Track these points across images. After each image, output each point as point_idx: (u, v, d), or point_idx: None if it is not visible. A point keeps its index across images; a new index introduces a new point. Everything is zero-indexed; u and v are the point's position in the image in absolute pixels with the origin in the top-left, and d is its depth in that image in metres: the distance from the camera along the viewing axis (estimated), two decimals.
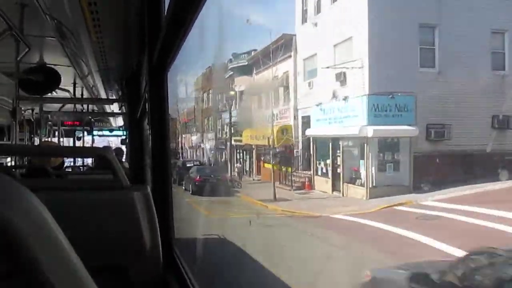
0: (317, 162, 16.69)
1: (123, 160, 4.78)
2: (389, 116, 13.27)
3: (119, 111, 5.13)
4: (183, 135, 37.72)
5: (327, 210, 11.20)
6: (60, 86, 3.46)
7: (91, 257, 0.40)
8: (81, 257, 0.33)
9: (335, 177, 15.00)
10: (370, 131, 13.00)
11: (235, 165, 22.30)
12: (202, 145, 32.87)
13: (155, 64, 1.43)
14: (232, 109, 23.15)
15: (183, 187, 18.61)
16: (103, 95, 4.38)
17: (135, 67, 2.42)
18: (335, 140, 14.90)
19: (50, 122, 5.97)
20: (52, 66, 3.18)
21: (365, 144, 13.21)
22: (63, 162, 3.47)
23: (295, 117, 17.83)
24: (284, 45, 16.62)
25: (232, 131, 24.83)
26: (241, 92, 22.71)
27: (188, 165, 23.35)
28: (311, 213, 11.04)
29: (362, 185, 13.43)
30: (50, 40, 2.55)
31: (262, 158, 22.34)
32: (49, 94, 3.53)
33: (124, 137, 8.88)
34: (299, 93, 17.31)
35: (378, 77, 12.78)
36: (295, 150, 17.79)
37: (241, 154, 24.99)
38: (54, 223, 0.32)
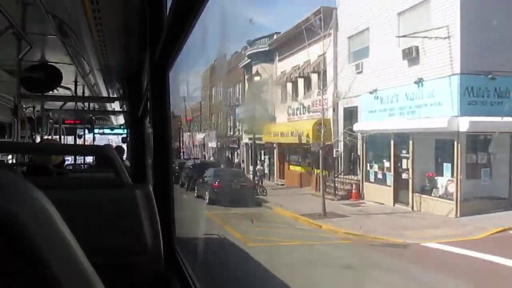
0: (368, 164, 16.02)
1: (124, 158, 5.48)
2: (487, 104, 12.12)
3: (120, 110, 5.87)
4: (188, 133, 38.65)
5: (408, 234, 10.18)
6: (61, 84, 4.22)
7: (93, 255, 0.47)
8: None
9: (399, 185, 14.26)
10: (464, 124, 11.79)
11: (257, 167, 22.27)
12: (210, 143, 33.69)
13: (157, 63, 1.86)
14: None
15: (195, 194, 18.03)
16: (104, 93, 5.14)
17: (136, 65, 2.96)
18: (401, 136, 14.08)
19: (51, 120, 7.01)
20: (54, 64, 3.89)
21: (455, 142, 12.11)
22: (64, 160, 4.16)
23: (334, 109, 17.29)
24: (320, 22, 16.31)
25: (247, 128, 25.09)
26: (262, 82, 22.87)
27: (189, 164, 23.28)
28: (390, 239, 9.93)
29: (442, 196, 12.59)
30: (51, 38, 3.19)
31: (287, 159, 22.12)
32: (51, 92, 4.27)
33: (125, 135, 9.83)
34: (341, 79, 16.81)
35: (473, 51, 11.50)
36: (334, 150, 17.28)
37: (259, 154, 25.25)
38: (61, 219, 0.39)
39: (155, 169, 2.01)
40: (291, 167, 22.00)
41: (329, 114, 17.73)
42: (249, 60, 25.98)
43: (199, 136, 37.01)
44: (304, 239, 10.52)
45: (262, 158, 24.71)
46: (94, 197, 1.38)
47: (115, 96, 5.20)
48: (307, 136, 18.05)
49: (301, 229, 11.72)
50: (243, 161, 27.83)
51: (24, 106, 5.00)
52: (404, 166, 14.17)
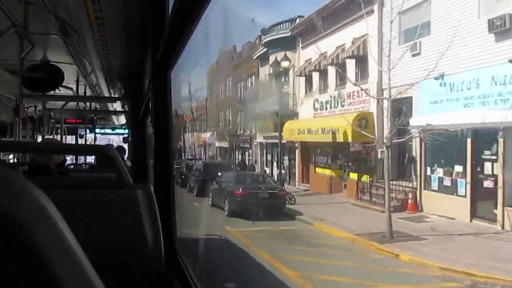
0: (429, 168, 13.20)
1: (125, 158, 5.51)
2: None
3: (122, 110, 5.92)
4: (192, 133, 37.15)
5: None
6: (63, 84, 4.26)
7: (94, 254, 0.48)
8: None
9: (479, 196, 11.37)
10: None
11: (281, 170, 20.02)
12: (217, 143, 32.16)
13: (159, 63, 1.88)
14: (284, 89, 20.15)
15: (210, 202, 15.40)
16: (105, 93, 5.22)
17: (138, 65, 2.98)
18: (484, 132, 11.19)
19: (53, 120, 7.09)
20: (56, 63, 3.92)
21: None
22: (65, 160, 4.18)
23: (379, 101, 14.35)
24: None
25: (262, 125, 23.24)
26: (282, 73, 20.63)
27: (199, 166, 20.47)
28: None
29: None
30: (53, 38, 3.23)
31: (313, 161, 19.45)
32: (52, 91, 4.31)
33: (126, 135, 9.86)
34: (387, 64, 13.20)
35: None
36: (379, 150, 13.98)
37: (276, 155, 23.03)
38: (61, 219, 0.40)
39: (156, 169, 2.03)
40: (317, 169, 19.27)
41: (371, 107, 15.14)
42: (265, 49, 23.28)
43: (205, 136, 35.45)
44: (389, 280, 7.44)
45: (281, 159, 22.45)
46: (95, 197, 1.42)
47: (117, 96, 5.26)
48: (344, 133, 15.33)
49: (370, 260, 8.71)
50: (255, 162, 25.76)
51: (25, 106, 5.08)
52: (487, 171, 11.14)
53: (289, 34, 21.22)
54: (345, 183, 16.95)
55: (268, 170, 23.59)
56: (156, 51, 1.85)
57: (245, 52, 28.87)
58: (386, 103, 13.65)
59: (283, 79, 21.56)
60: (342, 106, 17.32)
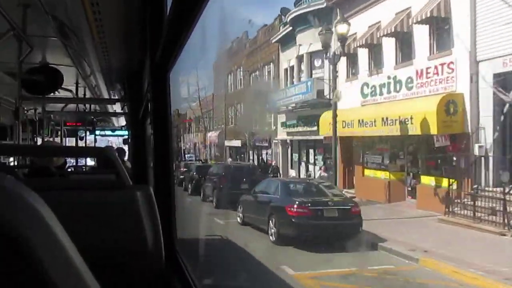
0: None
1: (125, 160, 5.54)
2: None
3: (122, 111, 5.94)
4: (196, 134, 36.02)
5: None
6: (62, 86, 4.26)
7: (94, 256, 0.49)
8: (83, 256, 0.42)
9: None
10: None
11: (321, 173, 16.48)
12: (227, 142, 30.18)
13: (158, 64, 1.89)
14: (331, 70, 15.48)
15: (240, 218, 11.56)
16: (105, 95, 5.22)
17: (137, 66, 2.96)
18: None
19: (52, 122, 7.13)
20: (55, 66, 3.92)
21: None
22: (65, 162, 4.21)
23: (472, 79, 11.15)
24: None
25: (285, 120, 19.95)
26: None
27: (218, 169, 16.47)
28: None
29: None
30: (52, 40, 3.23)
31: (362, 160, 15.80)
32: (52, 94, 4.30)
33: (126, 137, 9.93)
34: (485, 28, 10.19)
35: None
36: (476, 145, 11.00)
37: (305, 154, 19.34)
38: (57, 223, 0.40)
39: (156, 170, 2.03)
40: (366, 172, 15.67)
41: (460, 87, 11.54)
42: (290, 28, 19.51)
43: (211, 135, 33.18)
44: None
45: (311, 160, 18.58)
46: (94, 199, 1.42)
47: (116, 97, 5.29)
48: (424, 123, 11.67)
49: None
50: (274, 162, 22.57)
51: (25, 108, 5.09)
52: None
53: (324, 5, 17.25)
54: (409, 188, 13.62)
55: (294, 173, 20.10)
56: (155, 52, 1.85)
57: (260, 37, 25.58)
58: (482, 82, 10.39)
59: (316, 62, 17.66)
60: (409, 89, 13.35)
